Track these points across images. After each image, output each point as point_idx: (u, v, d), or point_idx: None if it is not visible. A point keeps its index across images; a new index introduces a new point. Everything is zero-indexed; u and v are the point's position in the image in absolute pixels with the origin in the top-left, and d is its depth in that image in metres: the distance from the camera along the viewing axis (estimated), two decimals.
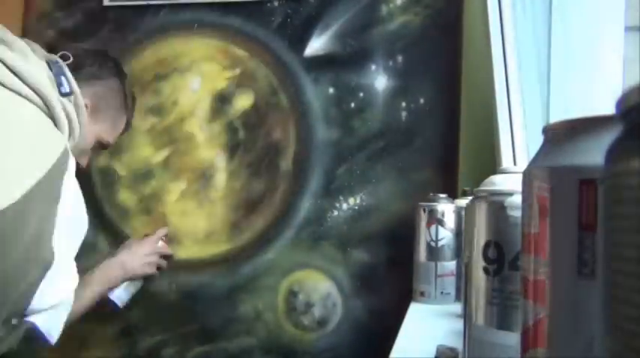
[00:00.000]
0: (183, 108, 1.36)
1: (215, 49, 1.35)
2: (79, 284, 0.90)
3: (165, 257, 1.30)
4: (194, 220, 1.34)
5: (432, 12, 1.25)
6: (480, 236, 0.44)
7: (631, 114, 0.17)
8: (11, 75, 0.84)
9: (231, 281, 1.32)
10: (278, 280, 1.30)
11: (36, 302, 0.79)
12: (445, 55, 1.24)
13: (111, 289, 1.19)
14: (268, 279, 1.30)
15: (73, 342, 1.37)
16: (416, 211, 1.00)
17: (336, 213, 1.28)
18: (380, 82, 1.27)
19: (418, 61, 1.26)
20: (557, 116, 0.98)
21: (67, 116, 0.91)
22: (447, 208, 0.97)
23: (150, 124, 1.37)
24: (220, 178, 1.34)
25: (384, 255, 1.25)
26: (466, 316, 0.48)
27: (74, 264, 0.88)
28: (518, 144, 0.99)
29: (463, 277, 0.61)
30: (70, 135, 0.93)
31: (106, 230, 1.38)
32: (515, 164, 0.97)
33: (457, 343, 0.61)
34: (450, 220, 0.97)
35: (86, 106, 0.98)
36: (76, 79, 0.95)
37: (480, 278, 0.44)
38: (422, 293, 0.96)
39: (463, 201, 0.89)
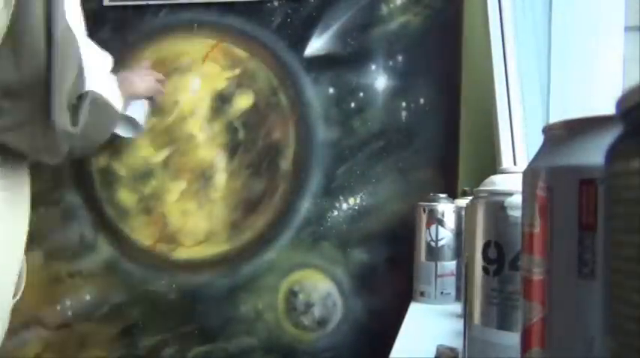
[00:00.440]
0: (183, 109, 1.36)
1: (215, 49, 1.35)
2: None
3: (160, 81, 1.28)
4: (194, 220, 1.34)
5: (432, 12, 1.25)
6: (480, 236, 0.44)
7: (631, 114, 0.17)
8: None
9: (231, 281, 1.32)
10: (278, 280, 1.30)
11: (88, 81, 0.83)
12: (445, 55, 1.24)
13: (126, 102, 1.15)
14: (268, 279, 1.30)
15: (73, 342, 1.37)
16: (416, 211, 1.00)
17: (336, 213, 1.28)
18: (380, 82, 1.27)
19: (418, 61, 1.26)
20: (557, 116, 0.98)
21: None
22: (447, 208, 0.97)
23: (150, 124, 1.37)
24: (220, 178, 1.34)
25: (384, 255, 1.25)
26: (466, 316, 0.48)
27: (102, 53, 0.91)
28: (518, 144, 0.99)
29: (463, 277, 0.61)
30: None
31: (106, 230, 1.38)
32: (515, 164, 0.97)
33: (457, 343, 0.61)
34: (450, 220, 0.97)
35: None
36: None
37: (479, 278, 0.44)
38: (422, 293, 0.96)
39: (463, 201, 0.89)
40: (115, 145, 1.38)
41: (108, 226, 1.38)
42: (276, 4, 1.33)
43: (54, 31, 0.78)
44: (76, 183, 1.37)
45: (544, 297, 0.28)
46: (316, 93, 1.30)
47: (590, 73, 0.96)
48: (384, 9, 1.27)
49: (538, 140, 0.32)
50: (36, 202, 1.05)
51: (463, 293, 0.66)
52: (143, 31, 1.38)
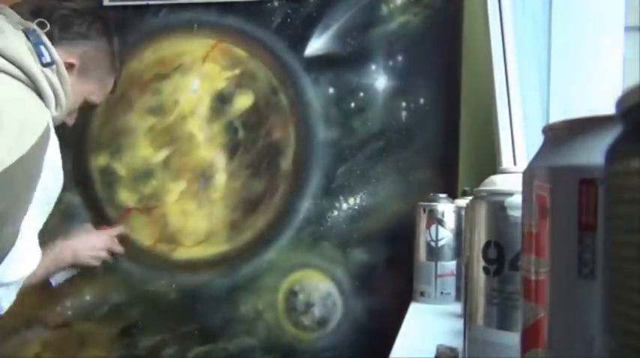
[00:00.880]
0: (183, 108, 1.36)
1: (215, 49, 1.35)
2: None
3: (113, 254, 1.28)
4: (194, 220, 1.34)
5: (432, 12, 1.25)
6: (480, 236, 0.44)
7: (631, 114, 0.17)
8: None
9: (231, 281, 1.32)
10: (278, 280, 1.30)
11: None
12: (445, 55, 1.24)
13: (51, 274, 1.17)
14: (268, 279, 1.30)
15: (73, 342, 1.37)
16: (416, 211, 1.00)
17: (336, 213, 1.28)
18: (380, 81, 1.27)
19: (418, 61, 1.26)
20: (557, 116, 0.98)
21: (52, 87, 0.91)
22: (447, 208, 0.97)
23: (150, 124, 1.37)
24: (220, 178, 1.34)
25: (383, 255, 1.25)
26: (466, 316, 0.48)
27: (37, 241, 0.90)
28: (518, 144, 0.99)
29: (463, 277, 0.61)
30: (56, 105, 0.93)
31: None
32: (515, 164, 0.97)
33: (457, 343, 0.61)
34: (450, 220, 0.97)
35: (73, 66, 0.98)
36: (64, 38, 0.95)
37: (480, 278, 0.44)
38: (422, 293, 0.96)
39: (463, 201, 0.89)
40: (115, 145, 1.38)
41: (108, 226, 1.38)
42: (276, 4, 1.33)
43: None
44: (76, 183, 1.37)
45: (544, 297, 0.28)
46: (316, 94, 1.30)
47: (590, 73, 0.96)
48: (384, 9, 1.27)
49: (538, 140, 0.32)
50: None
51: (463, 293, 0.66)
52: (143, 31, 1.38)
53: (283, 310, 1.30)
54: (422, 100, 1.25)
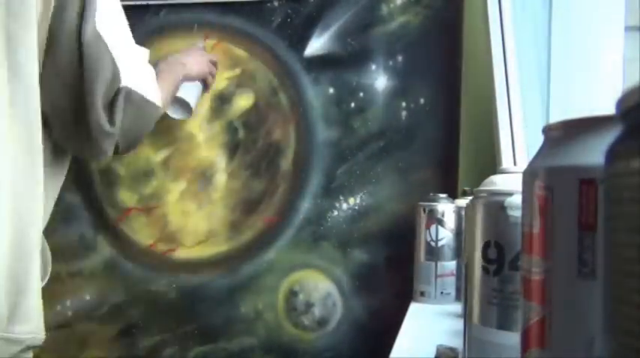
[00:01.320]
0: None
1: (215, 49, 1.35)
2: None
3: (213, 63, 1.26)
4: (194, 220, 1.34)
5: (432, 12, 1.25)
6: (480, 236, 0.44)
7: (631, 114, 0.17)
8: None
9: (231, 281, 1.32)
10: (278, 280, 1.30)
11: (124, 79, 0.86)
12: (445, 55, 1.24)
13: (175, 88, 1.13)
14: (268, 279, 1.30)
15: (73, 342, 1.37)
16: (416, 211, 1.00)
17: (336, 213, 1.28)
18: (380, 82, 1.27)
19: (418, 61, 1.26)
20: (557, 116, 0.98)
21: None
22: (447, 208, 0.97)
23: None
24: (220, 178, 1.34)
25: (383, 254, 1.25)
26: (466, 316, 0.48)
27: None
28: (518, 144, 0.99)
29: (463, 277, 0.61)
30: None
31: (106, 230, 1.38)
32: (515, 164, 0.97)
33: (457, 343, 0.61)
34: (450, 220, 0.97)
35: None
36: None
37: (479, 278, 0.44)
38: (422, 293, 0.96)
39: (463, 201, 0.89)
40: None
41: (108, 226, 1.38)
42: (276, 4, 1.33)
43: (84, 38, 0.82)
44: (76, 183, 1.37)
45: (544, 297, 0.28)
46: (316, 93, 1.30)
47: (590, 73, 0.96)
48: (384, 9, 1.27)
49: (538, 140, 0.32)
50: None
51: (463, 293, 0.66)
52: (143, 31, 1.38)
53: (283, 310, 1.30)
54: (422, 100, 1.25)
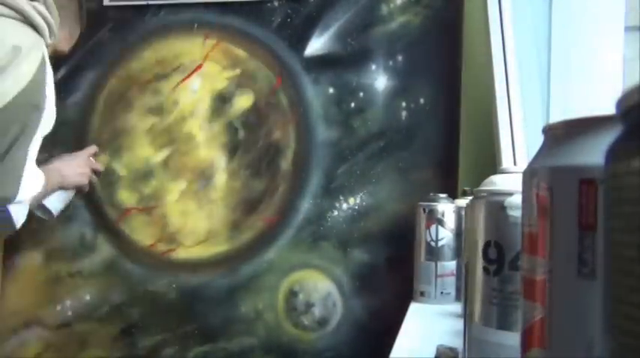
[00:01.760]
0: (183, 109, 1.36)
1: (215, 49, 1.35)
2: None
3: (96, 173, 1.28)
4: (194, 220, 1.34)
5: (432, 12, 1.25)
6: (480, 236, 0.44)
7: (631, 114, 0.17)
8: None
9: (231, 281, 1.32)
10: (278, 280, 1.30)
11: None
12: (445, 55, 1.24)
13: (44, 197, 1.16)
14: (268, 279, 1.30)
15: (73, 342, 1.37)
16: (416, 211, 1.00)
17: (336, 213, 1.28)
18: (380, 81, 1.27)
19: (418, 61, 1.26)
20: (557, 116, 0.98)
21: (44, 18, 1.00)
22: (447, 208, 0.97)
23: (150, 124, 1.37)
24: (220, 178, 1.34)
25: (383, 254, 1.25)
26: (466, 316, 0.48)
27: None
28: (518, 144, 0.99)
29: (463, 277, 0.61)
30: (50, 33, 1.02)
31: (106, 230, 1.38)
32: (515, 164, 0.97)
33: (457, 343, 0.61)
34: (450, 220, 0.97)
35: None
36: None
37: (480, 278, 0.44)
38: (422, 293, 0.96)
39: (463, 201, 0.89)
40: (115, 145, 1.38)
41: (108, 226, 1.38)
42: (276, 4, 1.33)
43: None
44: None
45: (544, 297, 0.28)
46: (316, 93, 1.30)
47: (590, 73, 0.96)
48: (384, 9, 1.27)
49: (538, 140, 0.32)
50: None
51: (463, 293, 0.66)
52: (143, 31, 1.38)
53: (283, 310, 1.30)
54: (422, 100, 1.25)
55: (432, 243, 0.96)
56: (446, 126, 1.23)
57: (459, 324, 0.58)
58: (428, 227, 0.97)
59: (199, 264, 1.34)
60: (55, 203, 1.20)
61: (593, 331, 0.25)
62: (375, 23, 1.28)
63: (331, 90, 1.29)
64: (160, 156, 1.37)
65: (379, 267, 1.25)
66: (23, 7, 0.97)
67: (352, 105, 1.28)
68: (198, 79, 1.36)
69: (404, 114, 1.26)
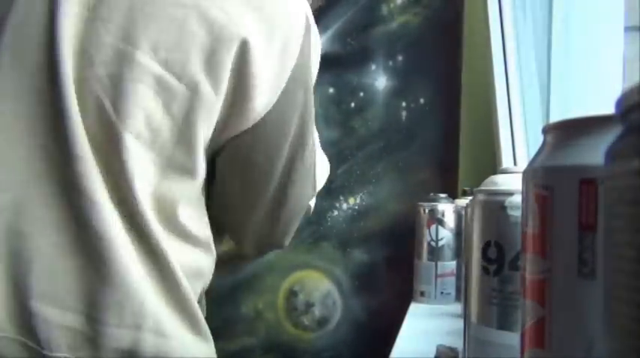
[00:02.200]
0: None
1: None
2: None
3: None
4: None
5: (432, 12, 1.25)
6: (480, 236, 0.44)
7: (631, 114, 0.17)
8: None
9: (231, 281, 1.32)
10: (278, 280, 1.30)
11: None
12: (445, 55, 1.24)
13: None
14: (268, 279, 1.30)
15: None
16: (416, 211, 1.00)
17: (336, 213, 1.28)
18: (380, 81, 1.27)
19: (418, 61, 1.26)
20: (557, 116, 0.98)
21: None
22: (447, 208, 0.97)
23: None
24: None
25: (383, 254, 1.25)
26: (466, 316, 0.48)
27: None
28: (519, 144, 0.99)
29: (463, 277, 0.61)
30: None
31: None
32: (515, 164, 0.97)
33: (457, 343, 0.61)
34: (450, 220, 0.96)
35: None
36: None
37: (479, 278, 0.44)
38: (422, 293, 0.96)
39: (463, 201, 0.88)
40: None
41: None
42: None
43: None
44: None
45: (544, 297, 0.28)
46: (316, 93, 1.30)
47: (590, 73, 0.96)
48: (384, 9, 1.27)
49: (538, 140, 0.32)
50: None
51: (463, 293, 0.66)
52: None
53: (283, 310, 1.30)
54: (422, 100, 1.25)
55: (432, 243, 0.96)
56: (446, 126, 1.23)
57: (459, 324, 0.58)
58: (428, 227, 0.97)
59: None
60: None
61: (593, 331, 0.25)
62: (375, 23, 1.28)
63: (331, 90, 1.29)
64: None
65: (379, 266, 1.25)
66: None
67: (352, 105, 1.28)
68: None
69: (404, 114, 1.26)
